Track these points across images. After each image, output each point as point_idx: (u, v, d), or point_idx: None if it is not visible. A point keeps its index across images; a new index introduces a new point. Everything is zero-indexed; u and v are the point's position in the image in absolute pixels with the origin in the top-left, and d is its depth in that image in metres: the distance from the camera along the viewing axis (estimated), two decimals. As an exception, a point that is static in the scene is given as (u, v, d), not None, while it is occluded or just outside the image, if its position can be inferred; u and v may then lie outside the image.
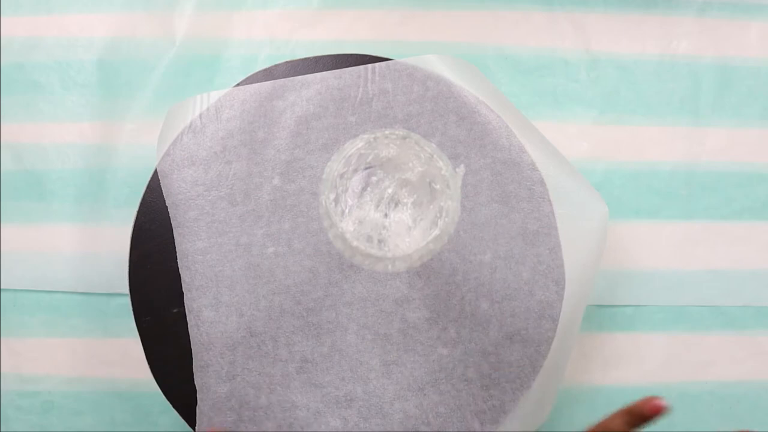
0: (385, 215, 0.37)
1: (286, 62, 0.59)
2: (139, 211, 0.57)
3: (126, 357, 0.61)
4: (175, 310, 0.56)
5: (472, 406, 0.54)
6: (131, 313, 0.56)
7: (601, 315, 0.62)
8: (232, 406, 0.54)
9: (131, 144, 0.62)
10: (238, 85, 0.58)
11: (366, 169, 0.38)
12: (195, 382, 0.55)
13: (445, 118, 0.57)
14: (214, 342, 0.55)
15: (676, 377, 0.61)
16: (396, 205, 0.38)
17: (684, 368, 0.61)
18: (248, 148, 0.57)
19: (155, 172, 0.57)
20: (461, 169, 0.36)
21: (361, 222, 0.36)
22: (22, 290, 0.61)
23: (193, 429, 0.55)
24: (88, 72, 0.63)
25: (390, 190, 0.38)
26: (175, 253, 0.56)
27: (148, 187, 0.57)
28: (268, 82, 0.58)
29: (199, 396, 0.54)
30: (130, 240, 0.56)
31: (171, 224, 0.56)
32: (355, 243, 0.35)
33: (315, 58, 0.59)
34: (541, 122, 0.61)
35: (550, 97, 0.64)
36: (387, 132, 0.36)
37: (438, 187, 0.36)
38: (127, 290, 0.56)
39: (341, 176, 0.37)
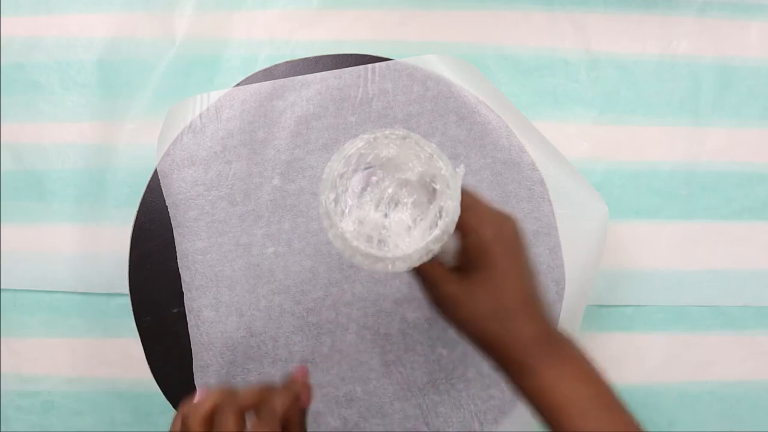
0: (385, 215, 0.37)
1: (286, 62, 0.59)
2: (139, 211, 0.57)
3: (126, 357, 0.61)
4: (175, 310, 0.56)
5: (471, 406, 0.54)
6: (131, 313, 0.56)
7: (601, 315, 0.62)
8: (232, 406, 0.54)
9: (131, 144, 0.62)
10: (238, 85, 0.58)
11: (366, 169, 0.38)
12: (195, 382, 0.54)
13: (445, 118, 0.57)
14: (214, 342, 0.55)
15: (676, 377, 0.61)
16: (396, 205, 0.38)
17: (684, 368, 0.61)
18: (248, 148, 0.57)
19: (155, 172, 0.57)
20: (461, 169, 0.36)
21: (361, 222, 0.36)
22: (22, 290, 0.61)
23: (193, 429, 0.55)
24: (88, 72, 0.63)
25: (390, 190, 0.37)
26: (175, 253, 0.56)
27: (148, 187, 0.57)
28: (268, 82, 0.58)
29: (199, 396, 0.54)
30: (130, 240, 0.56)
31: (171, 224, 0.56)
32: (355, 243, 0.35)
33: (315, 58, 0.59)
34: (541, 122, 0.61)
35: (550, 97, 0.63)
36: (387, 132, 0.36)
37: (438, 187, 0.36)
38: (127, 290, 0.56)
39: (341, 176, 0.36)
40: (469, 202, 0.37)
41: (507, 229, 0.37)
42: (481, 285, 0.37)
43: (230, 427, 0.37)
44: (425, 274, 0.39)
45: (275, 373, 0.54)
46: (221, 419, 0.37)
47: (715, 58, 0.64)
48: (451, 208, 0.35)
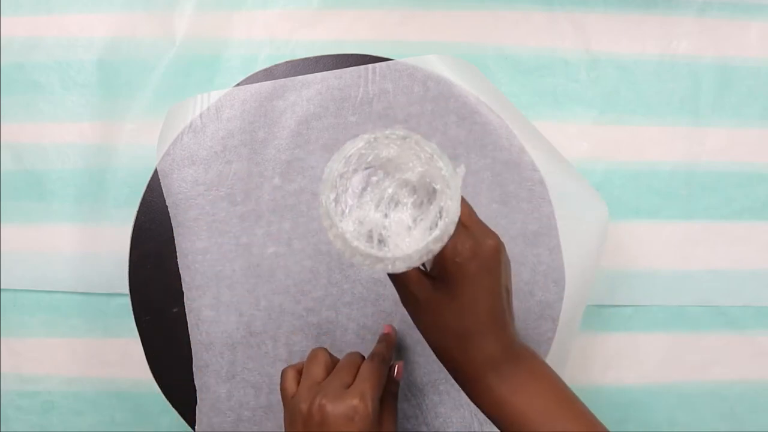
0: (385, 215, 0.37)
1: (287, 62, 0.59)
2: (139, 211, 0.57)
3: (126, 357, 0.61)
4: (175, 310, 0.56)
5: (471, 406, 0.54)
6: (131, 313, 0.56)
7: (601, 315, 0.62)
8: (232, 406, 0.54)
9: (131, 144, 0.62)
10: (238, 85, 0.58)
11: (366, 169, 0.38)
12: (195, 382, 0.55)
13: (445, 118, 0.57)
14: (214, 342, 0.55)
15: (676, 377, 0.61)
16: (396, 205, 0.38)
17: (684, 368, 0.61)
18: (248, 147, 0.57)
19: (155, 171, 0.57)
20: (461, 170, 0.36)
21: (361, 222, 0.36)
22: (22, 290, 0.61)
23: (193, 429, 0.55)
24: (88, 72, 0.63)
25: (390, 190, 0.37)
26: (175, 253, 0.56)
27: (148, 187, 0.57)
28: (269, 82, 0.58)
29: (199, 396, 0.54)
30: (130, 240, 0.56)
31: (171, 224, 0.56)
32: (355, 243, 0.35)
33: (315, 58, 0.59)
34: (541, 122, 0.61)
35: (550, 97, 0.63)
36: (387, 132, 0.36)
37: (438, 187, 0.36)
38: (127, 290, 0.56)
39: (341, 176, 0.36)
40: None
41: (485, 248, 0.36)
42: (448, 300, 0.37)
43: (318, 375, 0.41)
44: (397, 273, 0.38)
45: (275, 373, 0.54)
46: (310, 369, 0.42)
47: (715, 58, 0.64)
48: (451, 208, 0.35)
